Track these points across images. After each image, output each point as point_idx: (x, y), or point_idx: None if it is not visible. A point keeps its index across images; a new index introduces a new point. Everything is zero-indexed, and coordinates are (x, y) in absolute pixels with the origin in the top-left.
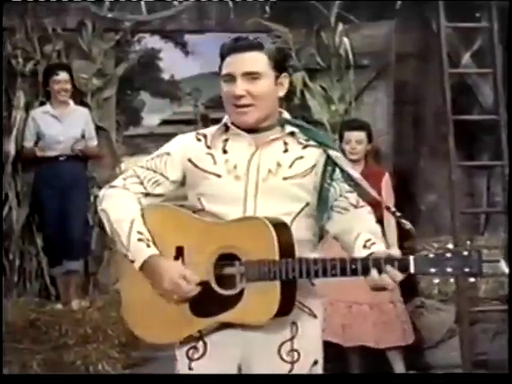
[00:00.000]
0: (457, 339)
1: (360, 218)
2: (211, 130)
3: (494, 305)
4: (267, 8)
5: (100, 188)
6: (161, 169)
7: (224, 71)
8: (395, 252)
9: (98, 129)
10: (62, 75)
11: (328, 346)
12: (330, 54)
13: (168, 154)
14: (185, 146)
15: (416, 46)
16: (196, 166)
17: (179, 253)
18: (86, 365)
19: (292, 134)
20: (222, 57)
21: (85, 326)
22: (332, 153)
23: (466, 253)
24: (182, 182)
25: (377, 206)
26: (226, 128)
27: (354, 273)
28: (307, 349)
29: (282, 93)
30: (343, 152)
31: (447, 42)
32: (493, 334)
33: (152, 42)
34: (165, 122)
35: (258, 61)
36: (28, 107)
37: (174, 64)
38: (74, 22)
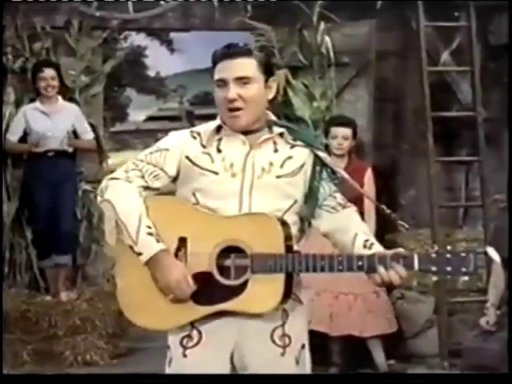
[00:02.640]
0: (435, 329)
1: (352, 218)
2: (205, 129)
3: (472, 296)
4: (250, 8)
5: (88, 183)
6: (160, 164)
7: (216, 76)
8: (400, 250)
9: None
10: (48, 72)
11: (314, 336)
12: (312, 52)
13: (167, 149)
14: (182, 143)
15: (396, 44)
16: (193, 163)
17: (182, 243)
18: (74, 355)
19: (281, 134)
20: (214, 63)
21: (73, 318)
22: (320, 154)
23: (463, 254)
24: (175, 178)
25: (358, 200)
26: (219, 128)
27: (360, 269)
28: (296, 333)
29: (270, 95)
30: (329, 147)
31: (427, 41)
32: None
33: (138, 39)
34: (150, 118)
35: (248, 66)
36: (18, 103)
37: (159, 61)
38: (62, 21)
